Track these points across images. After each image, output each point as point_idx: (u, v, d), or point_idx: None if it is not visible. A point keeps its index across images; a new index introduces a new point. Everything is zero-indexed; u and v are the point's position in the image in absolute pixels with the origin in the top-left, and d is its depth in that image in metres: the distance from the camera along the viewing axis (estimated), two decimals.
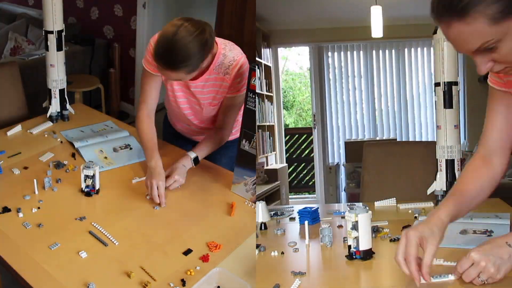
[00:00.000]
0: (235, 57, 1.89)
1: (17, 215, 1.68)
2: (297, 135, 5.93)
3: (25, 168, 2.00)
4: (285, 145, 5.76)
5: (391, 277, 1.23)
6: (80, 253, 1.51)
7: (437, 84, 1.93)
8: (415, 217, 1.73)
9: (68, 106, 2.47)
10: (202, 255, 1.54)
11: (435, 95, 1.95)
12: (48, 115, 2.43)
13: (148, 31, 4.56)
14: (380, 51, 5.61)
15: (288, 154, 5.79)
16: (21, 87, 2.67)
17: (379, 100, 5.67)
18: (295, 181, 5.87)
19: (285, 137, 5.78)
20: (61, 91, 2.44)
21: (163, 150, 2.21)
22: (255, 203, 1.81)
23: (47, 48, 2.35)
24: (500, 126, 1.26)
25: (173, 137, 2.35)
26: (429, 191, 1.94)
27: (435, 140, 1.97)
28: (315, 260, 1.43)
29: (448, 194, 1.26)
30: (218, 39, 1.93)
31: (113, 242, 1.58)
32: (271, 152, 5.16)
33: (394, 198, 1.96)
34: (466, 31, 0.93)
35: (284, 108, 6.18)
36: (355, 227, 1.28)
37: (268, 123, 5.10)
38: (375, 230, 1.55)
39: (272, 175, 4.64)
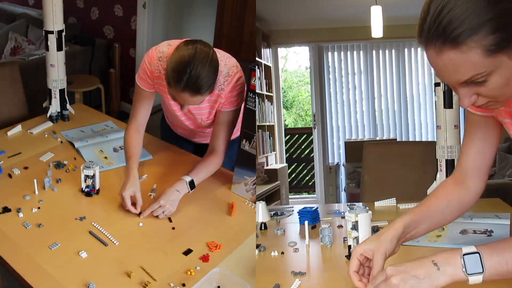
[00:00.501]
0: (229, 73, 1.86)
1: (17, 215, 1.68)
2: (297, 135, 5.93)
3: (25, 168, 2.00)
4: (285, 145, 5.76)
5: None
6: (80, 253, 1.51)
7: (437, 84, 1.93)
8: None
9: (68, 106, 2.47)
10: (202, 255, 1.54)
11: (435, 95, 1.95)
12: (48, 115, 2.43)
13: (148, 31, 4.56)
14: (380, 51, 5.61)
15: (288, 154, 5.79)
16: (21, 87, 2.67)
17: (379, 100, 5.67)
18: (295, 181, 5.87)
19: (285, 137, 5.78)
20: (61, 91, 2.44)
21: (162, 150, 2.21)
22: (255, 203, 1.81)
23: (47, 48, 2.35)
24: (476, 149, 1.23)
25: (173, 139, 2.34)
26: (429, 191, 1.94)
27: (435, 140, 1.98)
28: (315, 260, 1.43)
29: (412, 207, 1.24)
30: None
31: (113, 242, 1.58)
32: (271, 152, 5.16)
33: (394, 198, 1.97)
34: (459, 60, 0.87)
35: (284, 108, 6.18)
36: (355, 227, 1.29)
37: (268, 123, 5.10)
38: (375, 230, 1.55)
39: (272, 175, 4.64)
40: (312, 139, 5.74)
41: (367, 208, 1.31)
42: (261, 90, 4.92)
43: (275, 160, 5.29)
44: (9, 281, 1.53)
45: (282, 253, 1.45)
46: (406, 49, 5.57)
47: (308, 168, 5.85)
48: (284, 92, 6.69)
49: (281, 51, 6.02)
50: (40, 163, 2.05)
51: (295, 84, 7.28)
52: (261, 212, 1.72)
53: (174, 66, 1.64)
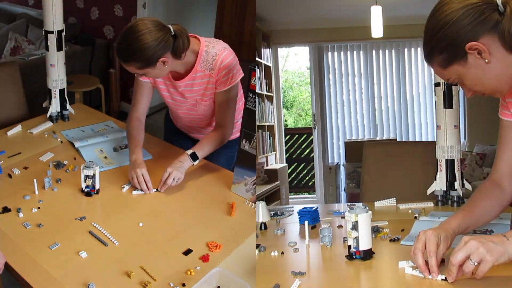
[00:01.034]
0: (217, 52, 1.94)
1: (17, 215, 1.68)
2: (297, 135, 5.92)
3: (25, 168, 2.00)
4: (285, 145, 5.75)
5: (391, 277, 1.23)
6: (80, 253, 1.51)
7: (437, 84, 1.93)
8: (415, 217, 1.73)
9: (68, 106, 2.47)
10: (202, 255, 1.54)
11: (435, 95, 1.95)
12: (48, 115, 2.43)
13: None
14: (380, 51, 5.61)
15: (288, 154, 5.79)
16: (21, 87, 2.67)
17: (379, 100, 5.66)
18: (295, 181, 5.87)
19: (285, 137, 5.78)
20: (61, 91, 2.44)
21: (163, 149, 2.21)
22: (255, 203, 1.81)
23: (47, 48, 2.35)
24: (510, 153, 1.38)
25: (174, 133, 2.36)
26: (429, 191, 1.94)
27: (435, 140, 1.98)
28: (315, 260, 1.43)
29: (459, 209, 1.36)
30: (203, 38, 1.98)
31: (113, 242, 1.58)
32: (271, 152, 5.16)
33: (394, 198, 1.96)
34: (436, 72, 1.22)
35: (284, 108, 6.18)
36: (355, 227, 1.29)
37: (268, 123, 5.10)
38: (375, 230, 1.55)
39: (272, 175, 4.64)
40: (312, 139, 5.74)
41: (367, 208, 1.31)
42: (261, 90, 4.91)
43: (275, 160, 5.29)
44: (9, 281, 1.53)
45: (282, 253, 1.45)
46: (406, 49, 5.57)
47: (308, 168, 5.85)
48: (285, 92, 6.70)
49: (281, 51, 6.02)
50: (40, 163, 2.05)
51: (295, 84, 7.28)
52: (261, 212, 1.72)
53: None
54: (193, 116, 2.16)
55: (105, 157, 2.13)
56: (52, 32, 2.30)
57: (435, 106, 1.97)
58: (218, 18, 3.98)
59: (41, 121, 2.43)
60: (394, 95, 5.64)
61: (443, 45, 1.13)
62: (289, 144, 5.86)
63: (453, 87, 1.91)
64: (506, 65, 1.11)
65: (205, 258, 1.52)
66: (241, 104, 2.17)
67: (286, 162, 5.55)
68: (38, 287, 1.37)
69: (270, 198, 4.31)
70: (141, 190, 1.87)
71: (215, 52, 1.94)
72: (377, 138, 5.56)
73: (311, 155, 5.76)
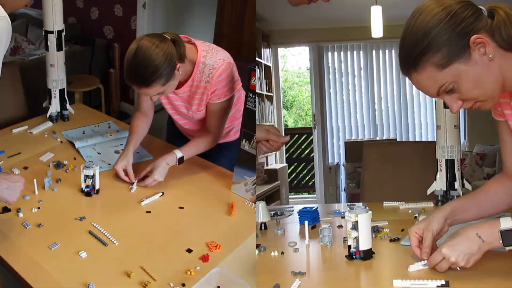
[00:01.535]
0: (214, 65, 1.89)
1: (17, 215, 1.68)
2: (297, 135, 5.92)
3: (25, 168, 2.00)
4: (285, 145, 5.75)
5: (391, 277, 1.23)
6: (80, 253, 1.51)
7: None
8: (415, 217, 1.73)
9: (68, 106, 2.47)
10: (202, 255, 1.54)
11: None
12: (48, 115, 2.43)
13: (148, 31, 4.56)
14: (380, 51, 5.61)
15: (288, 154, 5.79)
16: (21, 87, 2.67)
17: (379, 100, 5.66)
18: (295, 181, 5.87)
19: None
20: (61, 91, 2.44)
21: (163, 149, 2.21)
22: (255, 203, 1.81)
23: (47, 48, 2.35)
24: (510, 150, 1.37)
25: (176, 136, 2.36)
26: (429, 191, 1.94)
27: (435, 140, 1.97)
28: (315, 260, 1.43)
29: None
30: (200, 46, 1.93)
31: (113, 242, 1.58)
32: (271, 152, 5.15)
33: (403, 202, 1.94)
34: (422, 80, 1.08)
35: (284, 108, 6.18)
36: (355, 227, 1.28)
37: (268, 123, 5.09)
38: (375, 230, 1.55)
39: (272, 175, 4.64)
40: (312, 139, 5.74)
41: (367, 208, 1.31)
42: (261, 90, 4.91)
43: (275, 160, 5.29)
44: (9, 281, 1.53)
45: (282, 253, 1.45)
46: None
47: (308, 168, 5.85)
48: (284, 92, 6.69)
49: (281, 51, 6.02)
50: (40, 163, 2.05)
51: (295, 84, 7.28)
52: (261, 212, 1.72)
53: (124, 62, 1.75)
54: (189, 123, 2.17)
55: (105, 158, 2.13)
56: (52, 32, 2.30)
57: (435, 106, 1.97)
58: (218, 18, 3.97)
59: (41, 121, 2.43)
60: (394, 95, 5.64)
61: (442, 40, 1.02)
62: (289, 144, 5.86)
63: None
64: (499, 65, 1.06)
65: (205, 258, 1.52)
66: (239, 105, 2.17)
67: (286, 162, 5.55)
68: (38, 287, 1.37)
69: (270, 198, 4.32)
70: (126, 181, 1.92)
71: (212, 64, 1.89)
72: (377, 138, 5.56)
73: (311, 155, 5.76)
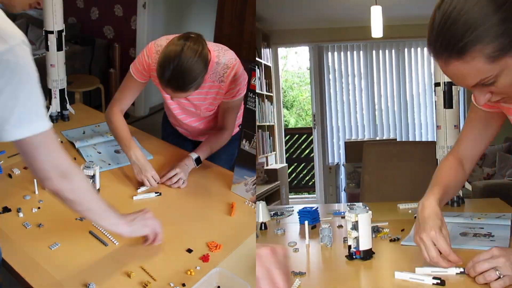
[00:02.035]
0: (228, 64, 1.90)
1: (17, 215, 1.68)
2: (297, 135, 5.93)
3: (25, 168, 1.99)
4: (285, 145, 5.76)
5: (391, 277, 1.23)
6: (80, 253, 1.51)
7: (437, 84, 1.93)
8: (415, 217, 1.72)
9: (68, 106, 2.47)
10: (202, 255, 1.54)
11: (435, 95, 1.95)
12: (48, 115, 2.42)
13: (148, 31, 4.56)
14: (380, 51, 5.62)
15: (288, 154, 5.79)
16: None
17: (379, 100, 5.67)
18: (295, 181, 5.87)
19: (285, 137, 5.78)
20: (61, 91, 2.44)
21: (163, 149, 2.21)
22: (255, 203, 1.81)
23: (47, 48, 2.35)
24: (474, 137, 1.42)
25: (172, 136, 2.35)
26: None
27: (435, 140, 1.97)
28: (315, 260, 1.43)
29: (432, 183, 1.37)
30: (210, 45, 1.91)
31: (113, 242, 1.58)
32: (271, 152, 5.16)
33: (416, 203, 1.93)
34: (465, 69, 0.96)
35: (284, 108, 6.18)
36: (355, 227, 1.28)
37: (268, 123, 5.10)
38: (375, 230, 1.55)
39: (272, 175, 4.64)
40: (312, 139, 5.74)
41: (367, 208, 1.31)
42: (261, 90, 4.92)
43: (275, 160, 5.29)
44: (9, 281, 1.53)
45: None
46: (406, 49, 5.58)
47: (308, 168, 5.85)
48: (285, 92, 6.70)
49: (281, 51, 6.02)
50: None
51: (295, 84, 7.29)
52: (261, 212, 1.72)
53: (160, 60, 1.70)
54: (197, 122, 2.17)
55: (105, 157, 2.13)
56: (52, 32, 2.30)
57: (435, 106, 1.97)
58: (218, 18, 3.97)
59: None
60: (394, 95, 5.64)
61: (500, 30, 0.90)
62: (289, 144, 5.86)
63: (453, 87, 1.91)
64: None
65: (205, 258, 1.52)
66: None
67: (286, 162, 5.55)
68: (38, 287, 1.37)
69: (270, 198, 4.32)
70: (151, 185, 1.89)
71: (226, 63, 1.90)
72: (377, 138, 5.56)
73: (311, 155, 5.76)
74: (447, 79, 1.90)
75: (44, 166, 1.19)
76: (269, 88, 5.24)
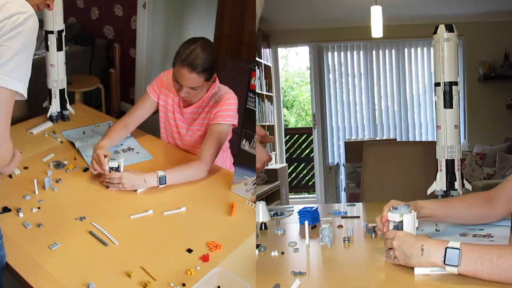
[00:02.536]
0: (227, 91, 2.12)
1: (17, 215, 1.68)
2: (297, 135, 5.93)
3: (25, 168, 2.00)
4: (285, 145, 5.76)
5: (392, 277, 1.23)
6: (80, 253, 1.51)
7: (437, 84, 1.94)
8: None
9: (68, 106, 2.47)
10: (202, 255, 1.54)
11: (435, 95, 1.95)
12: (48, 115, 2.43)
13: (148, 31, 4.56)
14: (380, 51, 5.61)
15: (288, 154, 5.79)
16: None
17: (379, 100, 5.67)
18: (295, 181, 5.87)
19: (285, 137, 5.78)
20: (61, 91, 2.44)
21: (163, 149, 2.21)
22: (255, 203, 1.81)
23: (47, 48, 2.35)
24: None
25: None
26: (429, 191, 1.95)
27: (435, 140, 1.98)
28: (315, 260, 1.43)
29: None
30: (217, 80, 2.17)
31: (113, 242, 1.58)
32: (271, 152, 5.16)
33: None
34: None
35: (284, 108, 6.18)
36: (398, 227, 1.26)
37: (268, 123, 5.10)
38: (375, 230, 1.54)
39: (272, 175, 4.64)
40: (312, 139, 5.74)
41: (410, 208, 1.30)
42: (261, 90, 4.92)
43: (275, 160, 5.29)
44: (9, 281, 1.53)
45: (282, 253, 1.45)
46: (406, 49, 5.57)
47: (308, 168, 5.85)
48: (285, 92, 6.70)
49: (281, 51, 6.02)
50: (40, 163, 2.05)
51: (295, 84, 7.29)
52: (261, 212, 1.72)
53: (180, 46, 1.93)
54: (185, 143, 2.23)
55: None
56: (52, 32, 2.30)
57: (435, 106, 1.97)
58: (218, 18, 3.97)
59: (41, 121, 2.43)
60: (394, 95, 5.64)
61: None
62: (289, 144, 5.86)
63: (453, 87, 1.91)
64: None
65: (205, 258, 1.52)
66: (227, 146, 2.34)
67: (286, 162, 5.55)
68: (38, 287, 1.37)
69: (270, 198, 4.32)
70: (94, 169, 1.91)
71: (225, 91, 2.12)
72: (377, 138, 5.56)
73: (311, 155, 5.76)
74: (447, 79, 1.91)
75: None
76: (269, 88, 5.24)
